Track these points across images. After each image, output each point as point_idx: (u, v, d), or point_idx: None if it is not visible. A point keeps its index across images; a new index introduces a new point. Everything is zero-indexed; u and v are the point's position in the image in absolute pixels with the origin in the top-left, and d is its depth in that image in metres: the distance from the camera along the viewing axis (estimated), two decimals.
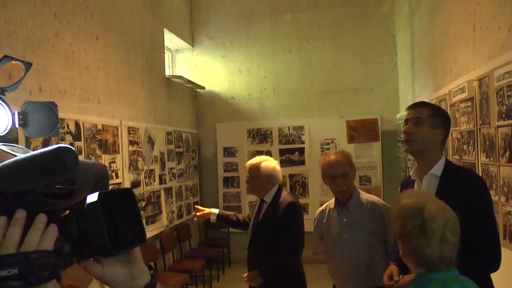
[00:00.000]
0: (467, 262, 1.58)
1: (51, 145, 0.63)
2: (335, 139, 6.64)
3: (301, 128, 6.77)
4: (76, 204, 0.67)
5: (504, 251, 2.46)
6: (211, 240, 6.78)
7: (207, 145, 7.13)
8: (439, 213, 1.43)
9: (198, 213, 3.25)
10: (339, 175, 2.48)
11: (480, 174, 2.87)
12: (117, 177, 4.38)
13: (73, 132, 3.66)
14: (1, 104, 1.83)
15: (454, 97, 3.45)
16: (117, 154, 4.40)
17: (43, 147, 0.70)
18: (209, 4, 7.04)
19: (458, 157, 3.33)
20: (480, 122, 2.86)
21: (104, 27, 4.28)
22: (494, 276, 1.97)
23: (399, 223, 1.51)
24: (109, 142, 4.25)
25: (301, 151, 6.75)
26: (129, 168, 4.65)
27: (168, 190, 5.70)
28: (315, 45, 6.74)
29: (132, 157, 4.73)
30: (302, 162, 6.73)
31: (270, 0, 6.86)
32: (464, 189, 1.88)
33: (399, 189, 2.27)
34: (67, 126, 3.58)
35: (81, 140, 3.77)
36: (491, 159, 2.66)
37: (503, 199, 2.49)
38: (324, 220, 2.67)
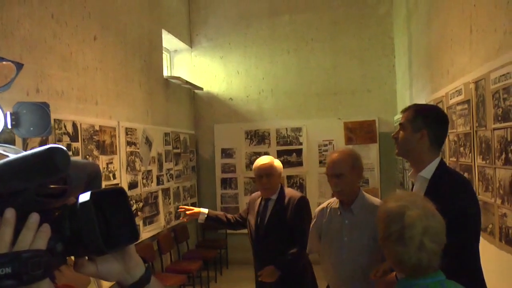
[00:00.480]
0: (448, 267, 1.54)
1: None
2: (332, 140, 6.65)
3: (299, 129, 6.78)
4: (68, 204, 0.68)
5: (501, 254, 2.48)
6: (208, 241, 6.78)
7: (205, 146, 7.13)
8: (420, 219, 1.40)
9: (187, 212, 3.22)
10: (334, 175, 2.43)
11: (476, 176, 2.88)
12: (114, 178, 4.38)
13: (71, 133, 3.66)
14: None
15: (451, 99, 3.46)
16: (114, 155, 4.40)
17: None
18: (207, 5, 7.05)
19: (455, 159, 3.34)
20: (477, 124, 2.87)
21: (101, 28, 4.28)
22: (491, 277, 1.97)
23: (381, 227, 1.49)
24: (106, 143, 4.25)
25: (299, 152, 6.76)
26: (127, 169, 4.65)
27: (165, 191, 5.70)
28: (313, 46, 6.75)
29: (129, 158, 4.73)
30: (300, 164, 6.73)
31: (268, 1, 6.88)
32: (446, 194, 1.83)
33: None
34: (65, 127, 3.58)
35: (78, 141, 3.77)
36: (487, 161, 2.66)
37: (499, 201, 2.50)
38: (324, 219, 2.60)
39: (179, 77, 6.32)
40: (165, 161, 5.74)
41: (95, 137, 4.03)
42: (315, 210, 2.75)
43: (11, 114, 1.90)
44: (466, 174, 3.00)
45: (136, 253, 0.80)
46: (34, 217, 0.63)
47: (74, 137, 3.71)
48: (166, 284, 4.54)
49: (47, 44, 3.44)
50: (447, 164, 2.34)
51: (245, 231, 3.27)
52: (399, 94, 6.37)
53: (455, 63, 3.43)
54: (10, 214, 0.62)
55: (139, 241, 5.10)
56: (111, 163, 4.33)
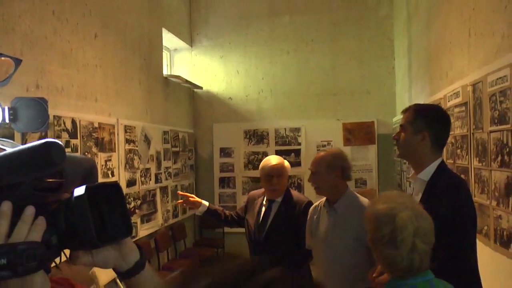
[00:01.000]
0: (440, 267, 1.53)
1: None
2: (331, 141, 6.66)
3: (297, 129, 6.78)
4: (64, 198, 0.69)
5: (496, 255, 2.49)
6: (206, 240, 6.79)
7: (204, 145, 7.14)
8: (411, 221, 1.40)
9: (190, 199, 3.13)
10: (311, 172, 2.56)
11: (472, 178, 2.89)
12: (113, 175, 4.39)
13: (70, 129, 3.67)
14: None
15: (449, 101, 3.47)
16: (113, 152, 4.41)
17: None
18: (208, 4, 7.06)
19: (452, 161, 3.35)
20: (474, 127, 2.88)
21: (102, 25, 4.29)
22: (486, 278, 1.98)
23: (370, 229, 1.49)
24: (105, 140, 4.26)
25: (297, 152, 6.77)
26: (125, 166, 4.66)
27: (163, 189, 5.71)
28: (313, 47, 6.76)
29: (128, 155, 4.73)
30: (298, 164, 6.73)
31: (269, 1, 6.89)
32: (442, 195, 1.84)
33: None
34: (64, 123, 3.59)
35: (77, 138, 3.78)
36: (484, 163, 2.68)
37: (494, 203, 2.51)
38: (315, 216, 2.66)
39: (179, 76, 6.32)
40: (164, 160, 5.75)
41: (94, 134, 4.04)
42: None
43: (9, 109, 1.91)
44: (462, 176, 3.01)
45: (131, 240, 0.82)
46: (30, 210, 0.64)
47: (73, 134, 3.72)
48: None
49: (47, 41, 3.45)
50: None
51: (242, 230, 3.22)
52: (398, 96, 6.38)
53: (454, 66, 3.44)
54: (6, 207, 0.63)
55: (136, 238, 5.06)
56: (110, 160, 4.34)
